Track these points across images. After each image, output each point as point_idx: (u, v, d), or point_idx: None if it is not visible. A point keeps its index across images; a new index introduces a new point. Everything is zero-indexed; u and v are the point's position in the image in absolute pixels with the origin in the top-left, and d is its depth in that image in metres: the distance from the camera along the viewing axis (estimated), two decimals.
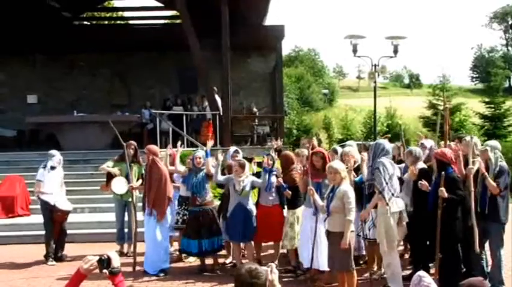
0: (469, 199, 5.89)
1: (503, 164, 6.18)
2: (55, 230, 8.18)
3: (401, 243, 7.33)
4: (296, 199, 7.08)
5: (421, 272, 3.31)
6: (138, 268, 7.40)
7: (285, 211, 7.37)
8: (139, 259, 7.51)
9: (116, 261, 2.81)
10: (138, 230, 7.78)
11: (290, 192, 6.97)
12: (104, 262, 2.78)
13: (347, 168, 6.18)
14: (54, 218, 8.14)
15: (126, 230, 8.55)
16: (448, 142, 7.48)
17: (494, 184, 5.98)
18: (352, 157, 6.88)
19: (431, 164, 6.63)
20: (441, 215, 5.75)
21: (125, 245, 8.62)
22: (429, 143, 7.62)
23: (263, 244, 7.76)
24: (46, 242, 8.13)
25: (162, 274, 7.22)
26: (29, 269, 7.80)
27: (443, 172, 5.78)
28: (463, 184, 5.99)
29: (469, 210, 5.86)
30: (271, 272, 2.82)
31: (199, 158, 7.43)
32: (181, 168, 7.84)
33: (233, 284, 2.84)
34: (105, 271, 2.78)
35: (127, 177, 8.15)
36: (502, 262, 6.17)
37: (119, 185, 8.26)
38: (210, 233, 7.23)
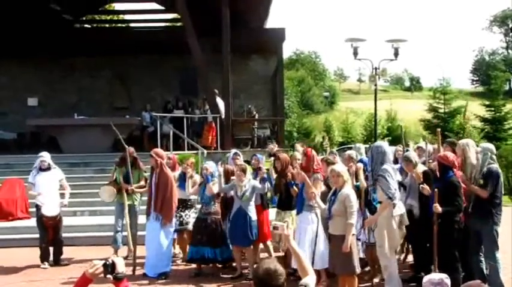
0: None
1: (493, 166, 6.01)
2: (48, 234, 8.04)
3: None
4: (292, 201, 7.06)
5: (444, 275, 3.23)
6: (138, 271, 7.37)
7: (273, 213, 7.36)
8: (139, 261, 7.49)
9: (121, 266, 2.75)
10: (139, 233, 7.75)
11: (297, 189, 6.94)
12: (109, 267, 2.72)
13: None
14: (43, 222, 8.04)
15: (124, 233, 8.46)
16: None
17: (477, 188, 5.89)
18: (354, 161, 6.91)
19: (429, 165, 6.68)
20: (437, 229, 5.70)
21: (119, 249, 8.48)
22: (429, 146, 7.55)
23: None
24: (39, 245, 8.09)
25: (163, 278, 7.19)
26: (29, 273, 7.76)
27: (436, 189, 5.71)
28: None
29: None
30: (287, 227, 2.85)
31: (207, 169, 7.46)
32: (192, 189, 7.75)
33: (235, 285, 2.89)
34: (109, 276, 2.73)
35: (126, 181, 8.12)
36: (499, 264, 6.02)
37: (105, 194, 8.24)
38: (212, 243, 7.24)
